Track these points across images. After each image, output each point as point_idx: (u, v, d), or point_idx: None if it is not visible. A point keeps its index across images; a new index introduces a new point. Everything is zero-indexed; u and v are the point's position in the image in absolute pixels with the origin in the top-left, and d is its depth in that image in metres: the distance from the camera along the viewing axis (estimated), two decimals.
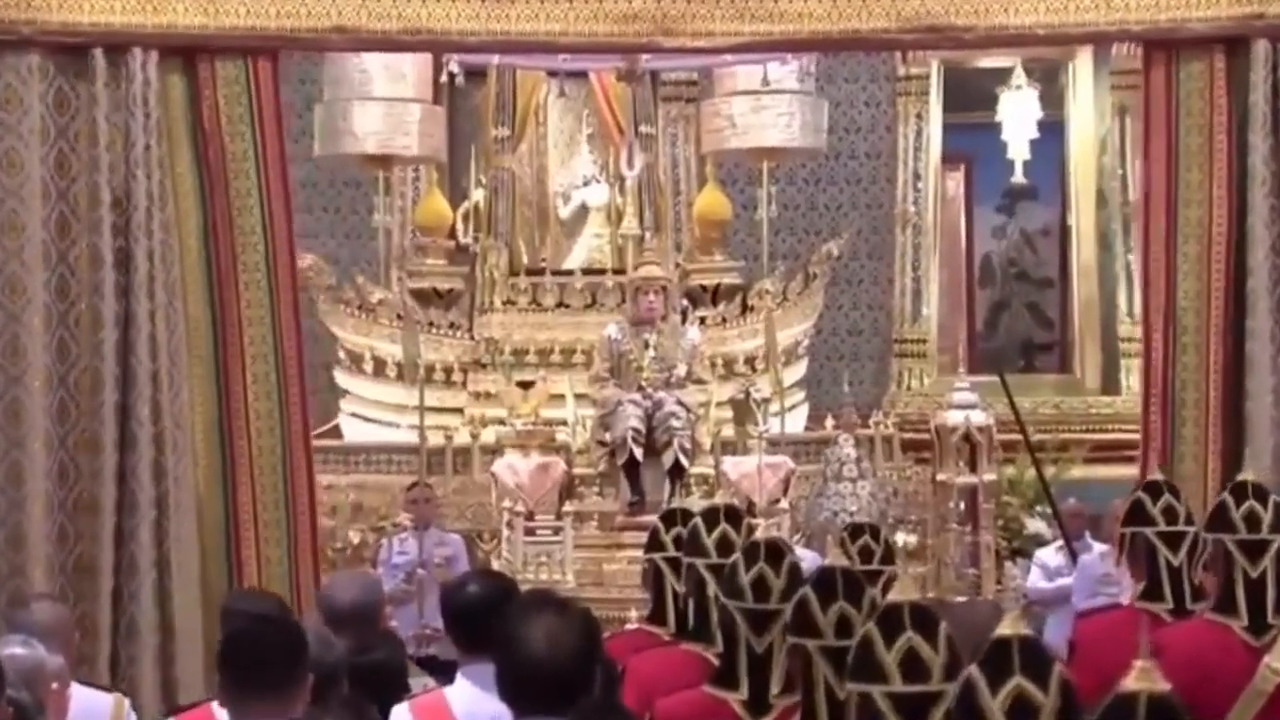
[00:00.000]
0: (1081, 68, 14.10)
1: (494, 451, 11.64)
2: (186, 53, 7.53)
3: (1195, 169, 7.66)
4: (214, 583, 7.39)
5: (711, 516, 4.72)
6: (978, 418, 11.04)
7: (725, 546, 4.56)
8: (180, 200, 7.53)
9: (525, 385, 11.70)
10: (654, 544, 5.19)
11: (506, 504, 10.82)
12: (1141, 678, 2.43)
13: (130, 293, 7.36)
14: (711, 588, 4.42)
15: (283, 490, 7.55)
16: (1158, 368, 7.76)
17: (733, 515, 4.73)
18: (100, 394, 7.30)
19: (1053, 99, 14.13)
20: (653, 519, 5.45)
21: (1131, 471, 12.39)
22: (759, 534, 4.09)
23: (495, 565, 10.48)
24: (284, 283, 7.60)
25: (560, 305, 12.60)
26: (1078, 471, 12.87)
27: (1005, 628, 2.61)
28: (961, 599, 9.89)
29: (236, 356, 7.52)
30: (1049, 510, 11.78)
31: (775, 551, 3.99)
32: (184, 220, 7.54)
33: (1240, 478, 5.07)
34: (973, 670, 2.59)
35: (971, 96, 14.19)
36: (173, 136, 7.52)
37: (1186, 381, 7.67)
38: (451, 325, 12.72)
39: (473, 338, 12.61)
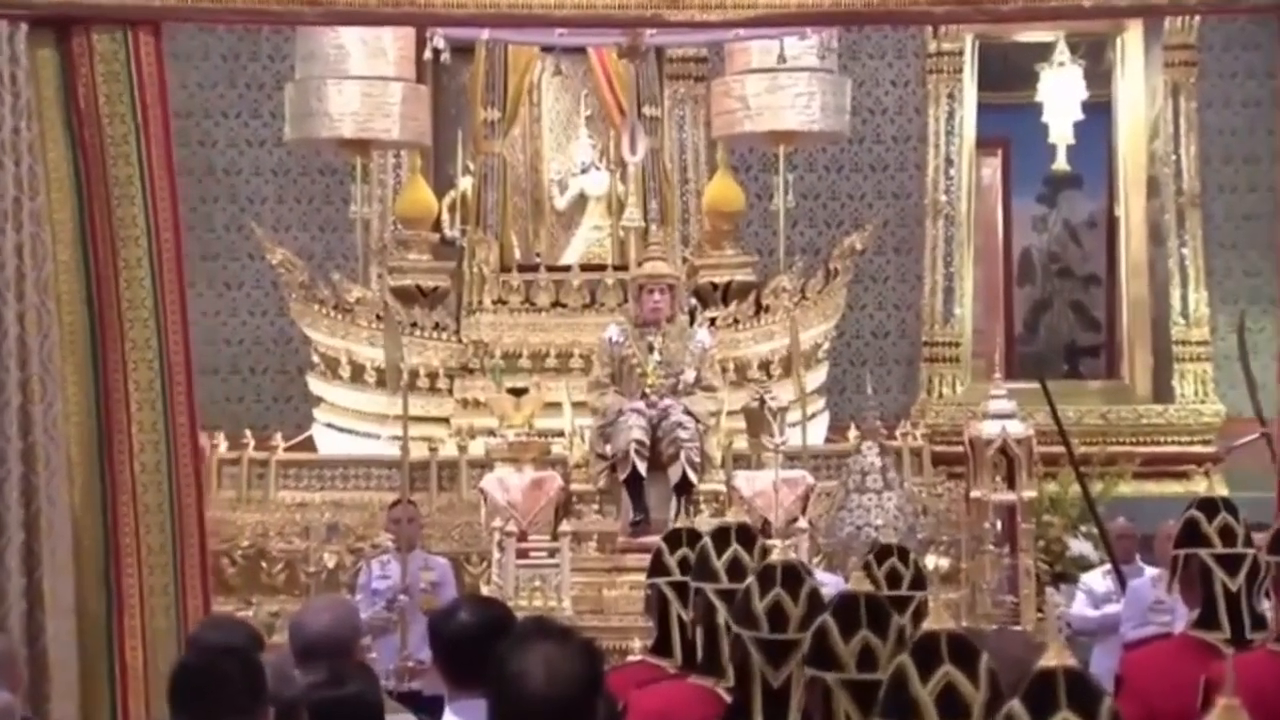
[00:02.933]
0: (1131, 43, 14.10)
1: (483, 465, 11.65)
2: (59, 24, 7.39)
3: None
4: (91, 614, 7.26)
5: (722, 537, 4.72)
6: (1016, 429, 11.03)
7: (737, 570, 4.55)
8: (53, 189, 7.38)
9: (517, 392, 11.70)
10: (658, 567, 5.18)
11: (497, 523, 10.82)
12: (1225, 717, 2.42)
13: None
14: (722, 615, 4.41)
15: (169, 512, 7.43)
16: None
17: (745, 535, 4.73)
18: None
19: (1099, 77, 14.13)
20: (657, 540, 5.44)
21: (1185, 488, 12.48)
22: (774, 556, 4.08)
23: (485, 590, 10.47)
24: (169, 280, 7.50)
25: (556, 305, 12.61)
26: (1126, 488, 12.87)
27: (1050, 658, 2.61)
28: (993, 628, 9.86)
29: (116, 363, 7.40)
30: (1095, 531, 11.77)
31: (793, 575, 3.99)
32: (57, 211, 7.38)
33: None
34: (1015, 705, 2.59)
35: (1009, 74, 14.19)
36: (45, 118, 7.38)
37: None
38: (436, 326, 12.73)
39: (460, 340, 12.62)
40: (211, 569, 11.45)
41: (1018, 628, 10.16)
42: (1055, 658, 2.60)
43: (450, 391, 12.56)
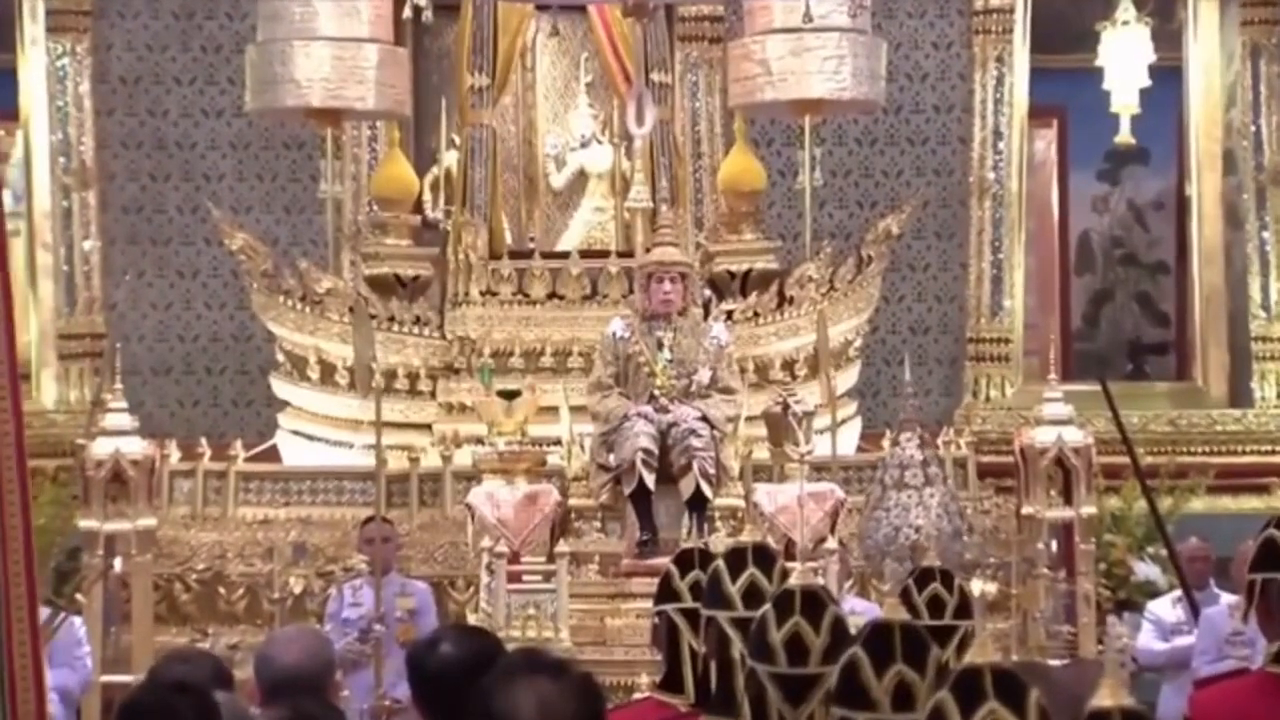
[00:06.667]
0: None
1: (470, 478, 11.67)
2: None
3: None
4: None
5: (737, 558, 4.72)
6: (1073, 436, 11.04)
7: (753, 595, 4.56)
8: None
9: (509, 395, 11.71)
10: (667, 593, 5.20)
11: (486, 544, 10.83)
12: None
13: None
14: (737, 647, 4.43)
15: None
16: None
17: (763, 556, 4.73)
18: None
19: (1168, 38, 14.14)
20: (666, 562, 5.46)
21: (1265, 503, 12.49)
22: (794, 580, 4.09)
23: (471, 619, 10.50)
24: None
25: (552, 296, 12.62)
26: (1199, 503, 12.88)
27: (1105, 698, 2.62)
28: (1063, 661, 9.86)
29: None
30: (1163, 552, 11.78)
31: (814, 602, 4.00)
32: None
33: None
34: None
35: (1066, 35, 14.21)
36: None
37: None
38: (417, 321, 12.75)
39: (443, 336, 12.64)
40: (164, 595, 11.62)
41: (1092, 659, 10.16)
42: (1110, 697, 2.61)
43: (433, 394, 12.58)
